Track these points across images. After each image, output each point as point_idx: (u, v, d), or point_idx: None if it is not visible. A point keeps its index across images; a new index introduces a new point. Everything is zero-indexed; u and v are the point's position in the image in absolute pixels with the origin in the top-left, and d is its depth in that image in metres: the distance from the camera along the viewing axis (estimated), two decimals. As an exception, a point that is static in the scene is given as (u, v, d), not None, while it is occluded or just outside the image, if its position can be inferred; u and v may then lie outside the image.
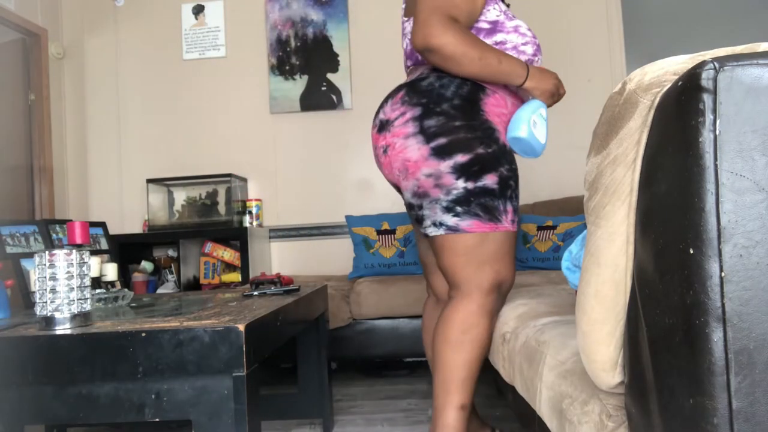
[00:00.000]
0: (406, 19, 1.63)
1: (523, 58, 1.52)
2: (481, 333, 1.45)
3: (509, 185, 1.46)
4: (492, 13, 1.52)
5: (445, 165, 1.42)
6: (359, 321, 2.73)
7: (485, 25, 1.51)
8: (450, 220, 1.44)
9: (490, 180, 1.43)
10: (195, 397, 1.08)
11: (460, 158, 1.41)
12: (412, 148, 1.45)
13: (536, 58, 1.55)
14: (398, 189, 1.61)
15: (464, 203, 1.42)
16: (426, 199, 1.46)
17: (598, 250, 0.80)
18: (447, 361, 1.45)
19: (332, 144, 3.56)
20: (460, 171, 1.42)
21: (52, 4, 3.33)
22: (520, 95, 1.56)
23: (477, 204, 1.42)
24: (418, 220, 1.51)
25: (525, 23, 1.57)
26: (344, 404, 2.42)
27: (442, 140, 1.42)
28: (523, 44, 1.52)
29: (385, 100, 1.56)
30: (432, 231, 1.47)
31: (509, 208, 1.46)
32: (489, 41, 1.50)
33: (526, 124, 1.45)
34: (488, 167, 1.43)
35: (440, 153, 1.42)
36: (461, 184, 1.42)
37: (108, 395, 1.09)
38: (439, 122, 1.44)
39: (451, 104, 1.45)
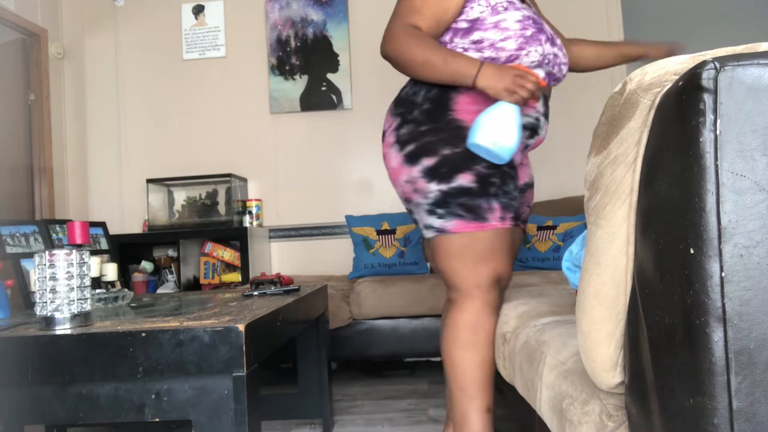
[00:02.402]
0: None
1: (502, 55, 1.43)
2: (490, 331, 1.45)
3: (491, 182, 1.42)
4: (475, 10, 1.45)
5: (416, 170, 1.46)
6: (359, 321, 2.73)
7: (463, 25, 1.45)
8: (436, 222, 1.45)
9: (464, 179, 1.41)
10: (195, 397, 1.08)
11: (427, 162, 1.44)
12: (391, 157, 1.52)
13: (523, 52, 1.44)
14: None
15: (443, 205, 1.43)
16: (411, 203, 1.51)
17: (599, 250, 0.80)
18: (462, 364, 1.43)
19: (332, 144, 3.56)
20: (430, 174, 1.44)
21: (52, 4, 3.33)
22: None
23: (456, 204, 1.42)
24: (416, 224, 1.54)
25: (524, 12, 1.45)
26: (344, 404, 2.42)
27: (410, 147, 1.47)
28: (502, 40, 1.42)
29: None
30: (426, 234, 1.50)
31: (495, 205, 1.42)
32: (466, 41, 1.45)
33: (478, 129, 1.34)
34: (459, 167, 1.41)
35: (410, 159, 1.47)
36: (434, 187, 1.43)
37: (108, 395, 1.09)
38: (409, 129, 1.48)
39: (420, 110, 1.49)
